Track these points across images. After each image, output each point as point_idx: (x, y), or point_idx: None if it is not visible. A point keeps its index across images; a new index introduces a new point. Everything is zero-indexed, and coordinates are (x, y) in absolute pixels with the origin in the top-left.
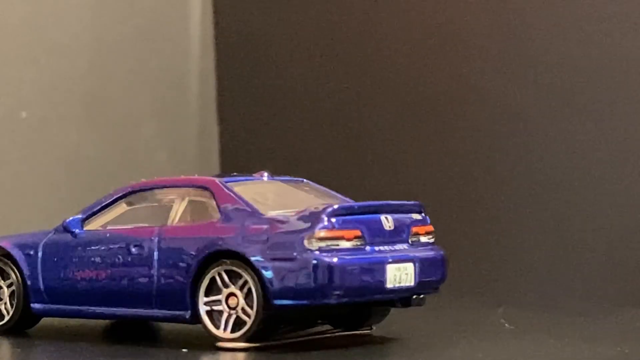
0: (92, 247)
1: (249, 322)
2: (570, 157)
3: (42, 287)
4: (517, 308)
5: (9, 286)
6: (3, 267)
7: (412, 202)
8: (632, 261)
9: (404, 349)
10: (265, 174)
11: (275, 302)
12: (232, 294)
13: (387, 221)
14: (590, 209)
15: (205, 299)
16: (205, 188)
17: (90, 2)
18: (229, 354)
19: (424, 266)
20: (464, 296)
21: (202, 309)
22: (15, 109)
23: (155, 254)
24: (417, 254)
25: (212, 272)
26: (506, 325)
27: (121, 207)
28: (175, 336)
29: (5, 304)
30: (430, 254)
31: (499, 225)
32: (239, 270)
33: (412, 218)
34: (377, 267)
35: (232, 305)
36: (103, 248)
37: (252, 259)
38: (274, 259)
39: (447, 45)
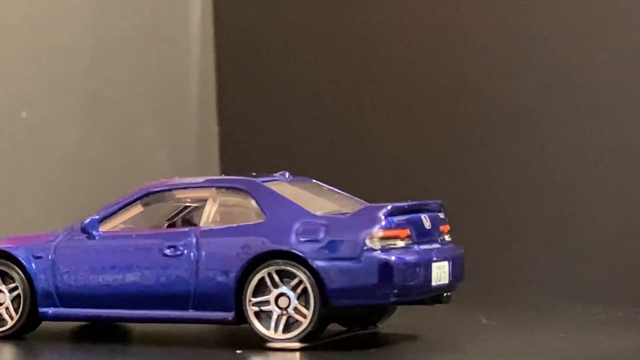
0: (117, 249)
1: (305, 322)
2: (570, 156)
3: (55, 291)
4: (518, 307)
5: (11, 290)
6: (6, 271)
7: (437, 202)
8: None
9: (428, 346)
10: (287, 174)
11: (334, 303)
12: (281, 294)
13: (426, 220)
14: (591, 208)
15: (253, 300)
16: (240, 189)
17: (90, 2)
18: (284, 354)
19: (454, 264)
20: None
21: (251, 310)
22: (15, 109)
23: (194, 255)
24: (449, 253)
25: (262, 273)
26: (484, 321)
27: (137, 208)
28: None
29: (7, 308)
30: (457, 252)
31: (498, 224)
32: (293, 270)
33: (440, 217)
34: (427, 266)
35: (283, 306)
36: (130, 249)
37: (310, 259)
38: (334, 259)
39: (449, 44)
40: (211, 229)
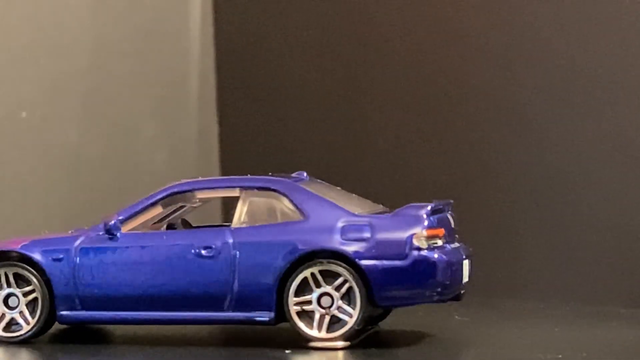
0: (146, 249)
1: (351, 321)
2: (570, 156)
3: (76, 293)
4: (514, 306)
5: (25, 294)
6: (21, 273)
7: (450, 201)
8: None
9: (440, 342)
10: (304, 173)
11: (380, 302)
12: (324, 294)
13: (451, 220)
14: (589, 207)
15: (295, 299)
16: (271, 189)
17: (90, 2)
18: (332, 354)
19: (471, 262)
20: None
21: (293, 310)
22: (15, 109)
23: (232, 255)
24: (467, 251)
25: (305, 272)
26: (456, 317)
27: (157, 209)
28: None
29: (22, 312)
30: (470, 250)
31: (497, 224)
32: (338, 270)
33: (454, 216)
34: (461, 264)
35: (325, 305)
36: (161, 250)
37: (356, 258)
38: (380, 258)
39: (449, 44)
40: (247, 229)
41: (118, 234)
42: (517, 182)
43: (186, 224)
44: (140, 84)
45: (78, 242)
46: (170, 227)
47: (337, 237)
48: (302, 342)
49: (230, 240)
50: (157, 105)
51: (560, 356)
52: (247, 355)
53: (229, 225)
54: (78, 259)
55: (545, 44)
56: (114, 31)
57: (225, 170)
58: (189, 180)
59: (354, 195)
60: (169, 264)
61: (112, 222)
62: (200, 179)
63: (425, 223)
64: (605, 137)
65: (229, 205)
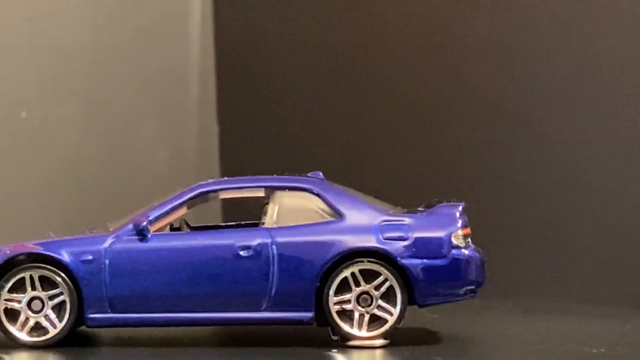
0: (181, 250)
1: (391, 320)
2: (570, 156)
3: (106, 295)
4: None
5: (51, 297)
6: (47, 276)
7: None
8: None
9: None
10: (320, 174)
11: (420, 301)
12: (362, 293)
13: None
14: (590, 208)
15: (335, 299)
16: (303, 189)
17: (91, 2)
18: (372, 352)
19: None
20: None
21: (333, 309)
22: (15, 109)
23: (271, 254)
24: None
25: (345, 272)
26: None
27: (183, 209)
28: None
29: (47, 316)
30: None
31: (497, 223)
32: (378, 269)
33: None
34: (485, 261)
35: (364, 304)
36: (197, 250)
37: (398, 257)
38: (420, 257)
39: (450, 44)
40: (285, 228)
41: (149, 235)
42: (517, 182)
43: (187, 225)
44: (140, 84)
45: (107, 243)
46: (170, 227)
47: (377, 237)
48: (330, 341)
49: (269, 240)
50: (157, 105)
51: (603, 350)
52: (292, 355)
53: (258, 225)
54: (108, 260)
55: (545, 44)
56: (114, 31)
57: (226, 170)
58: (216, 179)
59: (365, 195)
60: (205, 264)
61: (144, 223)
62: (226, 178)
63: (460, 222)
64: (605, 137)
65: (229, 206)
